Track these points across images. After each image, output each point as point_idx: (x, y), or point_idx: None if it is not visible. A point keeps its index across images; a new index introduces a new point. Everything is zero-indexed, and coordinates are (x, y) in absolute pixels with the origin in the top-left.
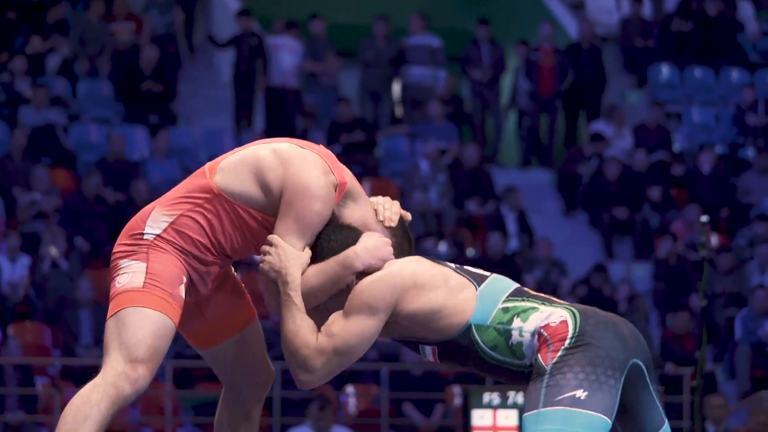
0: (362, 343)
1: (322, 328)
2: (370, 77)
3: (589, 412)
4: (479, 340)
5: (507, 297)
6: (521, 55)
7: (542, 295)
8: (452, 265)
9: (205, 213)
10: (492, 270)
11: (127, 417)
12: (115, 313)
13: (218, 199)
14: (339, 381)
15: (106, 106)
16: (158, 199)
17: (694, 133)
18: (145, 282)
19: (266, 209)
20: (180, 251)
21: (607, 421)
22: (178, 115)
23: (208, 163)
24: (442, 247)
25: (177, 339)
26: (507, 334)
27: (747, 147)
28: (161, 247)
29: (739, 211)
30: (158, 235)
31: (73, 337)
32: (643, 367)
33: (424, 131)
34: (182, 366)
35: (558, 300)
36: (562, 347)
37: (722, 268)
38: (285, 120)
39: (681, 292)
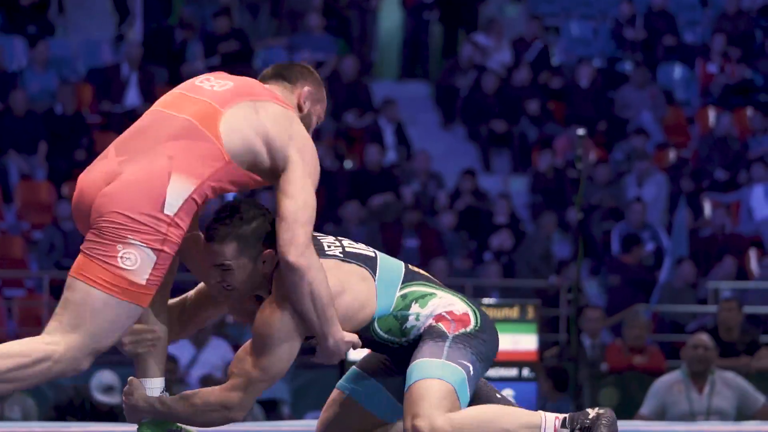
0: (287, 364)
1: (236, 367)
2: None
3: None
4: (377, 327)
5: (402, 284)
6: None
7: (429, 275)
8: (338, 248)
9: (215, 184)
10: (370, 183)
11: (5, 329)
12: (99, 287)
13: (227, 166)
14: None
15: None
16: (172, 161)
17: (573, 46)
18: (147, 280)
19: (267, 175)
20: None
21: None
22: (56, 25)
23: (198, 118)
24: (323, 160)
25: (55, 250)
26: (404, 318)
27: (625, 61)
28: (174, 242)
29: (616, 125)
30: (176, 214)
31: None
32: None
33: (302, 43)
34: (60, 278)
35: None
36: (463, 330)
37: (599, 181)
38: (164, 32)
39: (558, 206)
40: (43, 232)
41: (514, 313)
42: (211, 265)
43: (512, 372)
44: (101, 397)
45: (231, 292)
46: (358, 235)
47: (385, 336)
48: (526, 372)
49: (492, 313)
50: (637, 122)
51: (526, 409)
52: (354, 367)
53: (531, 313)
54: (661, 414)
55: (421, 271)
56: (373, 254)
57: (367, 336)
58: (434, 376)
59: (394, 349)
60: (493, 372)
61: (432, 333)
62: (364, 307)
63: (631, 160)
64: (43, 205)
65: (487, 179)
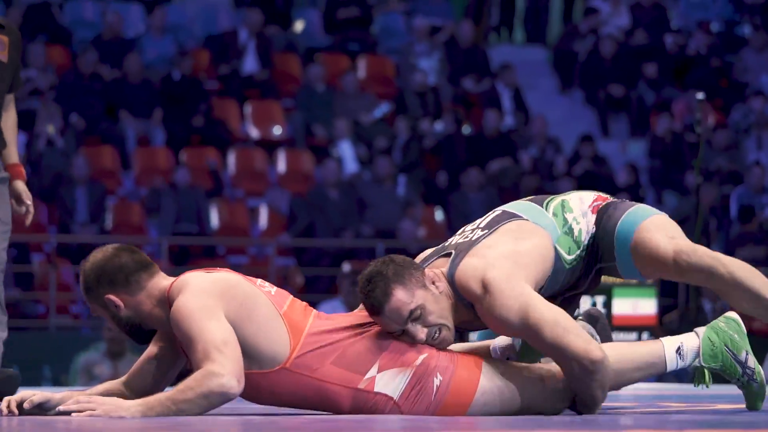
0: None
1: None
2: None
3: None
4: (562, 252)
5: (542, 207)
6: None
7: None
8: (480, 229)
9: None
10: (489, 148)
11: None
12: None
13: None
14: (336, 259)
15: None
16: None
17: (691, 10)
18: None
19: None
20: None
21: None
22: None
23: None
24: (439, 126)
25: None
26: (570, 230)
27: (743, 24)
28: None
29: (735, 88)
30: None
31: (69, 214)
32: None
33: (420, 8)
34: (178, 243)
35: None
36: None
37: (718, 145)
38: None
39: (676, 170)
40: (162, 198)
41: None
42: (402, 325)
43: (632, 336)
44: None
45: (441, 332)
46: (476, 200)
47: (571, 258)
48: (645, 336)
49: (611, 277)
50: (756, 86)
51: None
52: None
53: None
54: None
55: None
56: (499, 211)
57: (560, 267)
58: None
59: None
60: (613, 336)
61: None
62: (546, 244)
63: (751, 123)
64: (161, 170)
65: (605, 144)
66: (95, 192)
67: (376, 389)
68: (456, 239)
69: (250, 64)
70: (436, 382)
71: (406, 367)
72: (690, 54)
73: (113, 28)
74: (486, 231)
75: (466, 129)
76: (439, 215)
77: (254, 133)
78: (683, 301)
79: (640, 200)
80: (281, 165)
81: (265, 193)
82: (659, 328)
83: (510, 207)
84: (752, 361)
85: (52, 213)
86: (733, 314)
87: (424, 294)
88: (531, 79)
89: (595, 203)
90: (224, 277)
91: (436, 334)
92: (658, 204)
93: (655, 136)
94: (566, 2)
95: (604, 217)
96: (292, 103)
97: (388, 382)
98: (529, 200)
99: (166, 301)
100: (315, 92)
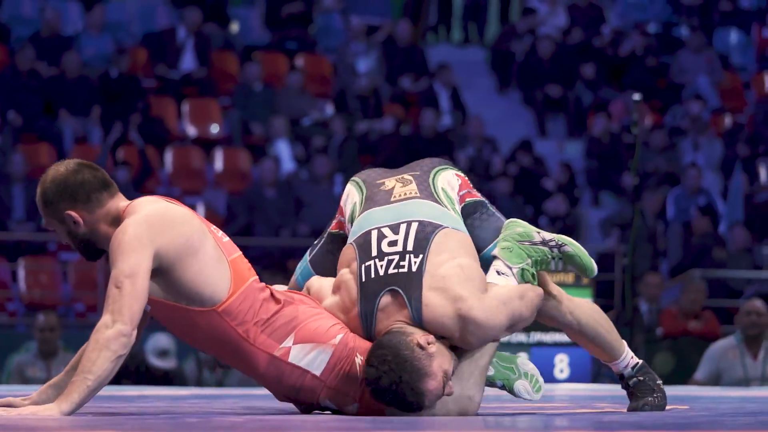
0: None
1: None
2: None
3: None
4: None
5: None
6: None
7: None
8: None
9: None
10: (426, 147)
11: (60, 292)
12: None
13: None
14: (272, 258)
15: None
16: None
17: (628, 11)
18: None
19: None
20: None
21: None
22: None
23: None
24: (377, 125)
25: None
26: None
27: (681, 25)
28: None
29: (672, 90)
30: None
31: (6, 212)
32: None
33: (358, 7)
34: None
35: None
36: None
37: (655, 146)
38: None
39: (613, 171)
40: None
41: (569, 278)
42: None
43: (567, 337)
44: (156, 362)
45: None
46: None
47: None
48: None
49: None
50: (693, 87)
51: (581, 374)
52: None
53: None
54: (716, 379)
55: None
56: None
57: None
58: None
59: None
60: (547, 337)
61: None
62: (473, 247)
63: (687, 125)
64: None
65: (542, 144)
66: (32, 189)
67: (290, 360)
68: (377, 266)
69: (187, 62)
70: (358, 361)
71: (323, 344)
72: (627, 55)
73: (51, 25)
74: (420, 255)
75: (405, 129)
76: None
77: (191, 131)
78: (619, 302)
79: (576, 201)
80: (218, 163)
81: (203, 192)
82: None
83: (421, 215)
84: (547, 234)
85: None
86: (507, 221)
87: (437, 363)
88: (469, 79)
89: (462, 193)
90: (177, 211)
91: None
92: (595, 205)
93: (592, 136)
94: (504, 2)
95: (470, 219)
96: (230, 102)
97: (303, 356)
98: (420, 188)
99: (120, 222)
100: (252, 91)
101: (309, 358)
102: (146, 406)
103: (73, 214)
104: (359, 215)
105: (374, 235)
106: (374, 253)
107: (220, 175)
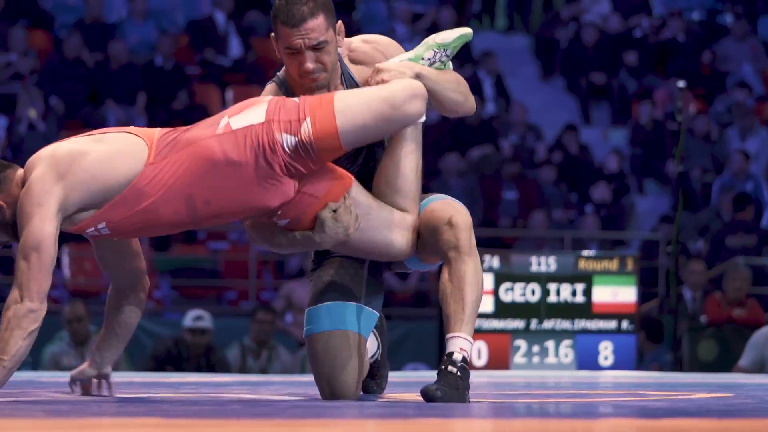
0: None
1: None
2: None
3: None
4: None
5: None
6: None
7: None
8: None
9: None
10: (470, 135)
11: (103, 279)
12: None
13: None
14: None
15: None
16: None
17: None
18: None
19: None
20: None
21: None
22: None
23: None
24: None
25: None
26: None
27: (725, 13)
28: None
29: (716, 77)
30: None
31: None
32: None
33: None
34: None
35: None
36: None
37: (699, 134)
38: None
39: (658, 159)
40: None
41: (613, 265)
42: (305, 47)
43: (611, 324)
44: (192, 324)
45: (320, 76)
46: (456, 186)
47: None
48: (625, 324)
49: (591, 265)
50: (737, 75)
51: (625, 361)
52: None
53: (630, 265)
54: (760, 367)
55: None
56: None
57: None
58: None
59: None
60: (592, 324)
61: None
62: None
63: (732, 113)
64: None
65: (587, 132)
66: None
67: (234, 127)
68: None
69: (234, 49)
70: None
71: (256, 104)
72: (671, 42)
73: (95, 12)
74: None
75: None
76: None
77: None
78: (663, 289)
79: (626, 189)
80: None
81: None
82: (638, 315)
83: None
84: (428, 53)
85: None
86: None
87: (333, 35)
88: (513, 67)
89: None
90: (70, 151)
91: (319, 74)
92: (639, 192)
93: (636, 124)
94: None
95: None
96: None
97: (243, 118)
98: None
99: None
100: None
101: (251, 115)
102: (191, 393)
103: None
104: None
105: None
106: None
107: None
